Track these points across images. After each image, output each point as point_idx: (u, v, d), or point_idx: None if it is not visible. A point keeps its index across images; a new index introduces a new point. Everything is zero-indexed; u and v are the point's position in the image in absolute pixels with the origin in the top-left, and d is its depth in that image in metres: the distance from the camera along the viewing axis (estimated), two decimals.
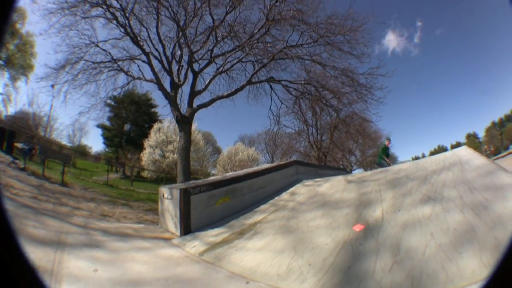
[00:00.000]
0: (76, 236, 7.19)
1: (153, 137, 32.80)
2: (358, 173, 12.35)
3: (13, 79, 30.76)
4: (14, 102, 30.48)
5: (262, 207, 9.11)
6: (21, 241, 2.06)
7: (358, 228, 6.56)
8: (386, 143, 16.54)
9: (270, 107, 19.30)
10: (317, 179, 11.09)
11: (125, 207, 13.83)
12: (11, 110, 32.10)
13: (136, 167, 33.07)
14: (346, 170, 23.12)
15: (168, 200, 9.45)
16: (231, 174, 11.97)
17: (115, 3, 16.64)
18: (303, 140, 32.22)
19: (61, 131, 37.10)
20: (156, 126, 33.61)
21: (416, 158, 24.92)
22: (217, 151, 39.43)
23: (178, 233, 8.34)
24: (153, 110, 40.37)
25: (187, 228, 8.31)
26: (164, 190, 10.04)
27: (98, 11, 16.80)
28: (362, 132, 25.16)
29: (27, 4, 17.58)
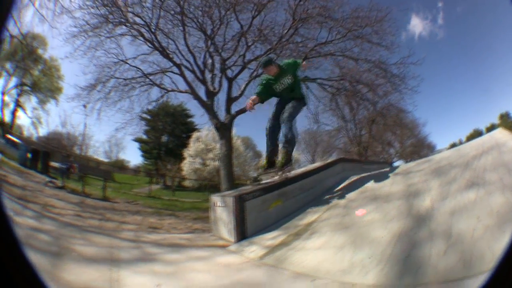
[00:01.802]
0: (129, 251, 7.37)
1: (192, 147, 33.01)
2: (402, 165, 12.32)
3: (42, 102, 31.39)
4: (46, 124, 31.19)
5: (314, 207, 9.24)
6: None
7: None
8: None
9: (307, 107, 19.56)
10: (363, 174, 11.30)
11: (172, 218, 13.96)
12: (43, 131, 32.82)
13: (177, 177, 33.41)
14: (388, 163, 22.98)
15: (221, 208, 9.69)
16: (277, 177, 12.19)
17: (138, 20, 17.22)
18: (342, 137, 32.28)
19: (97, 148, 37.74)
20: (194, 135, 33.83)
21: (454, 145, 24.75)
22: (258, 155, 39.20)
23: (233, 239, 8.53)
24: (189, 120, 40.51)
25: (243, 234, 8.53)
26: (216, 199, 10.29)
27: (122, 29, 17.52)
28: (399, 123, 25.17)
29: (47, 31, 18.16)
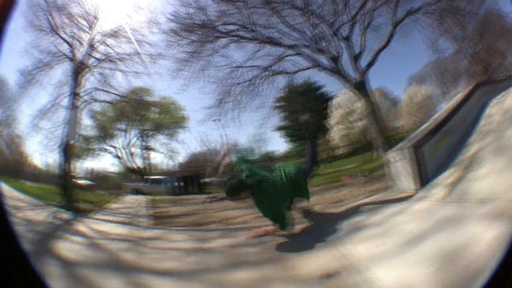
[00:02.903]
0: (333, 227, 8.27)
1: (335, 114, 33.71)
2: None
3: (171, 136, 33.21)
4: (184, 151, 32.90)
5: (471, 138, 9.98)
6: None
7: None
8: None
9: (422, 39, 20.30)
10: (498, 96, 11.72)
11: (345, 187, 14.25)
12: (183, 159, 34.87)
13: (328, 149, 34.42)
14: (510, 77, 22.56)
15: (398, 162, 10.62)
16: (435, 117, 12.95)
17: (232, 27, 19.01)
18: (462, 59, 31.65)
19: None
20: (333, 103, 34.43)
21: None
22: (394, 103, 39.40)
23: (415, 188, 9.43)
24: (320, 92, 41.06)
25: (423, 180, 9.39)
26: (391, 154, 11.31)
27: (220, 42, 19.13)
28: (504, 30, 24.74)
29: (147, 81, 20.32)
